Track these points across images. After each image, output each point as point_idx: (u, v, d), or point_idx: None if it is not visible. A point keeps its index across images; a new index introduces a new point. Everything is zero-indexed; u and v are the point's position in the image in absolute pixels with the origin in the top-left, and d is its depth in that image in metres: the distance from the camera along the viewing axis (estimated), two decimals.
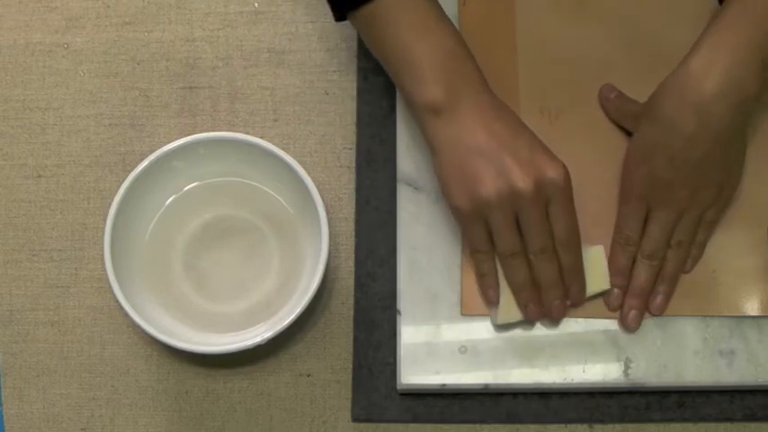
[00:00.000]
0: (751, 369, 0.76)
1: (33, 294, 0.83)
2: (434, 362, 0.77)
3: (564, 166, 0.72)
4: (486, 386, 0.77)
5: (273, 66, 0.87)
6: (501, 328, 0.77)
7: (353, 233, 0.83)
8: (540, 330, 0.77)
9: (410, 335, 0.77)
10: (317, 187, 0.78)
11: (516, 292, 0.75)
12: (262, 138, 0.80)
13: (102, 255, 0.76)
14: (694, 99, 0.70)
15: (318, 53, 0.87)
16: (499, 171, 0.70)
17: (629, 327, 0.76)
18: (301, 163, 0.78)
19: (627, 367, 0.76)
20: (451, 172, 0.72)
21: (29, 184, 0.85)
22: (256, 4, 0.88)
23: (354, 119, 0.85)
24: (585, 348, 0.77)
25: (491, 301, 0.76)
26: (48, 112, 0.87)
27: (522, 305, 0.75)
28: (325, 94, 0.86)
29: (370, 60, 0.85)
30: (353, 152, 0.84)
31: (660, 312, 0.77)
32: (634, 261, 0.77)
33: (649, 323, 0.77)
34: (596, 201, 0.78)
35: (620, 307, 0.77)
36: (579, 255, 0.74)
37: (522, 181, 0.70)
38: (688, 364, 0.76)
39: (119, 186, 0.78)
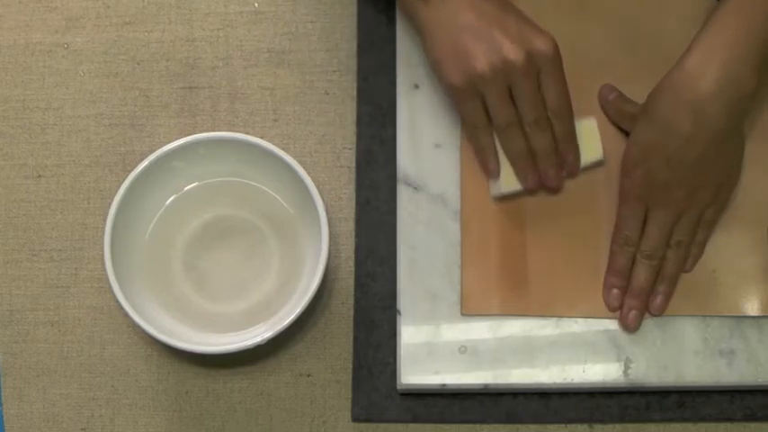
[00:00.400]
0: (751, 369, 0.76)
1: (33, 294, 0.83)
2: (434, 362, 0.77)
3: (552, 38, 0.74)
4: (486, 386, 0.77)
5: (273, 66, 0.87)
6: (502, 198, 0.78)
7: (353, 233, 0.83)
8: (540, 330, 0.77)
9: (410, 335, 0.77)
10: (317, 187, 0.78)
11: (514, 163, 0.77)
12: (262, 138, 0.80)
13: (102, 255, 0.76)
14: (690, 98, 0.70)
15: (318, 53, 0.87)
16: (490, 46, 0.72)
17: (628, 327, 0.76)
18: (301, 163, 0.78)
19: (627, 367, 0.76)
20: (444, 52, 0.74)
21: (29, 184, 0.85)
22: (256, 4, 0.88)
23: (354, 119, 0.85)
24: (585, 348, 0.77)
25: (492, 174, 0.78)
26: (48, 112, 0.87)
27: (521, 174, 0.77)
28: (325, 94, 0.86)
29: (370, 60, 0.85)
30: (353, 152, 0.84)
31: (660, 312, 0.77)
32: (633, 261, 0.77)
33: (649, 323, 0.77)
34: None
35: (620, 307, 0.77)
36: (572, 124, 0.76)
37: (514, 53, 0.72)
38: (688, 364, 0.76)
39: (119, 186, 0.78)
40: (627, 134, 0.79)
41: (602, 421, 0.79)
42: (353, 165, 0.84)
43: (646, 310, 0.77)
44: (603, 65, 0.82)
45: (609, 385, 0.77)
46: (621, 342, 0.77)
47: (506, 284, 0.78)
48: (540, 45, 0.73)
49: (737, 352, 0.77)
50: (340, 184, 0.84)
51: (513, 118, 0.75)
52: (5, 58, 0.88)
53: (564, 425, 0.79)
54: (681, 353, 0.77)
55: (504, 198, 0.79)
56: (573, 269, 0.78)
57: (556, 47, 0.74)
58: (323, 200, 0.77)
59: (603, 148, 0.79)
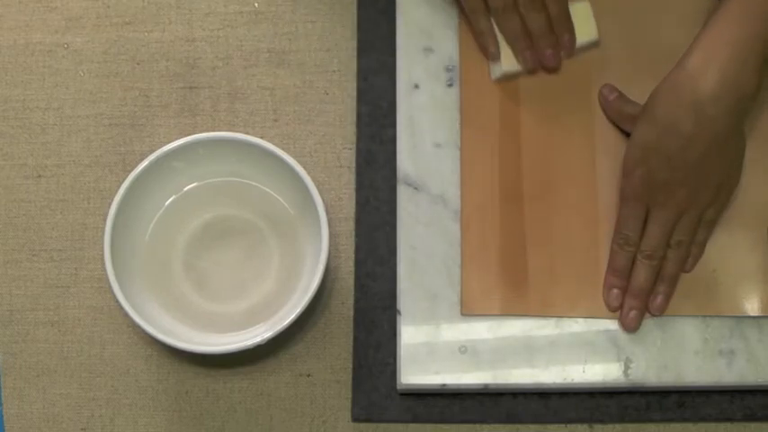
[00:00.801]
0: (751, 369, 0.76)
1: (33, 294, 0.83)
2: (434, 362, 0.77)
3: None
4: (486, 386, 0.77)
5: (273, 66, 0.87)
6: (502, 79, 0.81)
7: (353, 233, 0.83)
8: (540, 330, 0.77)
9: (410, 335, 0.77)
10: (317, 187, 0.78)
11: (513, 43, 0.80)
12: (262, 138, 0.80)
13: (102, 255, 0.76)
14: (691, 98, 0.70)
15: (318, 53, 0.87)
16: None
17: (628, 327, 0.76)
18: (301, 163, 0.78)
19: (627, 367, 0.76)
20: None
21: (29, 184, 0.85)
22: (256, 4, 0.88)
23: (354, 119, 0.85)
24: (585, 348, 0.77)
25: (492, 56, 0.81)
26: (48, 112, 0.87)
27: (520, 54, 0.80)
28: (325, 94, 0.86)
29: (370, 60, 0.85)
30: (353, 152, 0.84)
31: (660, 313, 0.77)
32: (633, 261, 0.77)
33: (649, 323, 0.77)
34: None
35: (620, 307, 0.77)
36: (565, 4, 0.79)
37: None
38: (688, 364, 0.76)
39: (119, 186, 0.78)
40: (626, 134, 0.80)
41: (602, 421, 0.79)
42: (353, 165, 0.84)
43: (646, 310, 0.77)
44: (603, 64, 0.82)
45: (609, 385, 0.77)
46: (621, 342, 0.77)
47: (506, 284, 0.78)
48: None
49: (737, 352, 0.77)
50: (340, 184, 0.84)
51: (509, 0, 0.78)
52: (5, 58, 0.88)
53: (564, 425, 0.79)
54: (681, 353, 0.77)
55: (505, 78, 0.82)
56: (573, 269, 0.78)
57: None
58: (323, 200, 0.77)
59: (602, 149, 0.79)
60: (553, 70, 0.82)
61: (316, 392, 0.81)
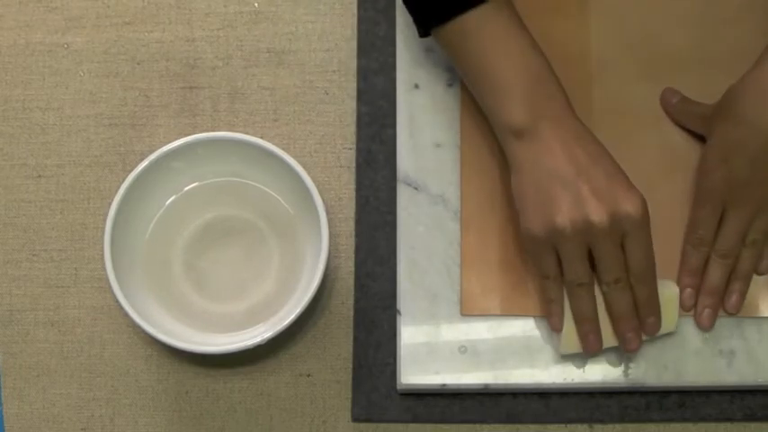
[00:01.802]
0: (751, 369, 0.76)
1: (33, 294, 0.83)
2: (434, 362, 0.77)
3: (641, 198, 0.70)
4: (486, 386, 0.77)
5: (273, 66, 0.87)
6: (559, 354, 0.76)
7: (353, 233, 0.83)
8: (540, 330, 0.77)
9: (410, 335, 0.77)
10: (317, 187, 0.78)
11: (579, 322, 0.73)
12: (262, 138, 0.80)
13: (102, 255, 0.76)
14: None
15: (318, 53, 0.87)
16: (575, 200, 0.69)
17: (703, 326, 0.76)
18: (301, 163, 0.78)
19: (627, 367, 0.76)
20: (528, 194, 0.71)
21: (29, 184, 0.85)
22: (256, 4, 0.88)
23: (354, 119, 0.85)
24: None
25: (554, 328, 0.75)
26: (48, 112, 0.87)
27: (583, 335, 0.74)
28: (325, 94, 0.86)
29: (369, 60, 0.85)
30: (353, 152, 0.84)
31: (737, 311, 0.77)
32: (706, 262, 0.77)
33: None
34: None
35: (694, 306, 0.77)
36: (655, 288, 0.73)
37: (598, 214, 0.69)
38: (688, 364, 0.76)
39: (119, 186, 0.78)
40: (625, 134, 0.80)
41: (602, 421, 0.79)
42: (353, 165, 0.84)
43: (721, 308, 0.77)
44: (603, 64, 0.82)
45: (609, 385, 0.77)
46: None
47: (506, 284, 0.78)
48: (628, 207, 0.69)
49: (737, 352, 0.77)
50: (340, 184, 0.84)
51: (586, 278, 0.72)
52: (5, 58, 0.88)
53: (564, 425, 0.79)
54: (681, 353, 0.77)
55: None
56: None
57: (645, 208, 0.70)
58: (323, 200, 0.77)
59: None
60: (632, 353, 0.75)
61: (316, 392, 0.81)
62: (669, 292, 0.75)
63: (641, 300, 0.73)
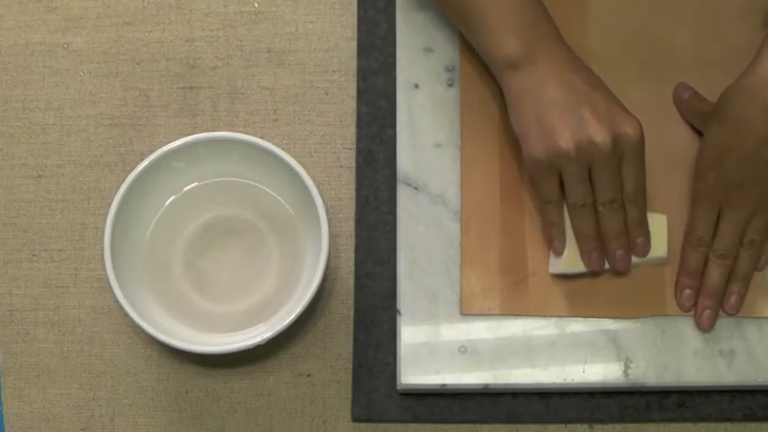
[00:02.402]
0: (751, 369, 0.76)
1: (33, 294, 0.83)
2: (434, 362, 0.77)
3: (639, 123, 0.73)
4: (486, 386, 0.77)
5: (273, 66, 0.87)
6: (555, 280, 0.78)
7: (353, 233, 0.83)
8: (540, 330, 0.77)
9: (410, 335, 0.77)
10: (317, 187, 0.78)
11: (581, 242, 0.76)
12: (262, 138, 0.80)
13: (102, 255, 0.76)
14: (765, 100, 0.71)
15: (318, 53, 0.87)
16: (578, 124, 0.72)
17: (703, 327, 0.77)
18: (301, 163, 0.78)
19: (627, 367, 0.76)
20: (530, 124, 0.73)
21: (29, 184, 0.85)
22: (256, 4, 0.88)
23: (354, 119, 0.85)
24: (585, 348, 0.77)
25: (556, 251, 0.77)
26: (48, 112, 0.87)
27: (586, 254, 0.76)
28: (325, 94, 0.86)
29: (369, 60, 0.85)
30: (353, 152, 0.84)
31: (736, 311, 0.77)
32: (705, 262, 0.77)
33: (649, 323, 0.77)
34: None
35: (693, 307, 0.77)
36: (645, 211, 0.76)
37: (601, 135, 0.71)
38: (688, 364, 0.76)
39: (119, 186, 0.78)
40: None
41: (602, 421, 0.79)
42: (353, 165, 0.84)
43: (720, 309, 0.77)
44: (603, 65, 0.82)
45: (609, 385, 0.77)
46: (621, 342, 0.77)
47: (506, 284, 0.78)
48: (628, 129, 0.72)
49: (737, 352, 0.77)
50: (340, 184, 0.84)
51: (588, 198, 0.74)
52: (5, 58, 0.88)
53: (564, 425, 0.79)
54: (681, 353, 0.77)
55: (561, 276, 0.78)
56: None
57: (642, 132, 0.73)
58: (323, 200, 0.77)
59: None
60: (621, 273, 0.77)
61: (316, 392, 0.81)
62: (658, 219, 0.77)
63: (632, 221, 0.75)
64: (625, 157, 0.73)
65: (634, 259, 0.77)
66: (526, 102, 0.74)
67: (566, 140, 0.72)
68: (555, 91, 0.73)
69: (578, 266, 0.76)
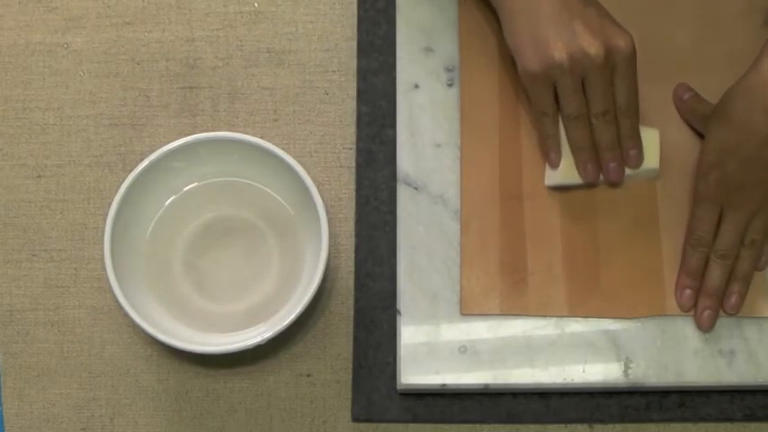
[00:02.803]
0: (751, 369, 0.76)
1: (33, 294, 0.83)
2: (434, 362, 0.77)
3: (631, 37, 0.75)
4: (486, 386, 0.77)
5: (273, 66, 0.87)
6: (555, 188, 0.80)
7: (353, 233, 0.83)
8: (540, 330, 0.77)
9: (410, 335, 0.77)
10: (317, 187, 0.78)
11: (577, 153, 0.78)
12: (262, 138, 0.80)
13: (102, 255, 0.76)
14: (767, 101, 0.71)
15: (318, 53, 0.87)
16: (571, 37, 0.74)
17: (703, 327, 0.77)
18: (301, 163, 0.78)
19: (627, 367, 0.76)
20: (524, 38, 0.75)
21: (29, 184, 0.85)
22: (256, 4, 0.88)
23: (354, 119, 0.85)
24: (585, 348, 0.77)
25: (552, 163, 0.79)
26: (48, 112, 0.87)
27: (581, 165, 0.78)
28: (325, 94, 0.86)
29: (369, 60, 0.85)
30: (353, 152, 0.84)
31: (736, 311, 0.77)
32: (706, 262, 0.77)
33: (650, 323, 0.77)
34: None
35: (693, 307, 0.77)
36: (637, 122, 0.78)
37: (594, 47, 0.73)
38: (688, 364, 0.76)
39: (119, 186, 0.78)
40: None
41: (602, 421, 0.79)
42: (353, 165, 0.84)
43: (721, 309, 0.77)
44: None
45: (609, 385, 0.77)
46: (621, 342, 0.77)
47: (506, 284, 0.78)
48: (620, 42, 0.74)
49: (737, 352, 0.77)
50: (340, 184, 0.84)
51: (582, 109, 0.76)
52: (5, 58, 0.88)
53: (564, 425, 0.79)
54: (681, 353, 0.77)
55: (557, 188, 0.80)
56: (573, 269, 0.78)
57: (634, 45, 0.75)
58: (323, 200, 0.77)
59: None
60: (614, 185, 0.79)
61: (316, 392, 0.81)
62: (651, 133, 0.79)
63: (625, 133, 0.77)
64: (617, 70, 0.75)
65: (627, 171, 0.79)
66: (520, 18, 0.75)
67: (559, 52, 0.73)
68: (548, 6, 0.74)
69: (574, 178, 0.79)
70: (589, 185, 0.79)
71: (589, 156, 0.78)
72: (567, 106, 0.76)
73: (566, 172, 0.79)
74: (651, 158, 0.79)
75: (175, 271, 0.81)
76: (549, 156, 0.79)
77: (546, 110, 0.77)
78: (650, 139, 0.79)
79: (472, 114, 0.82)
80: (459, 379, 0.76)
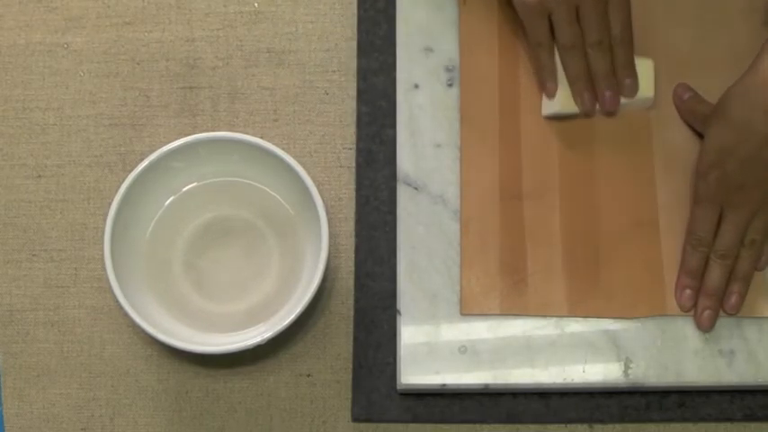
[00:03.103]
0: (751, 369, 0.76)
1: (33, 294, 0.83)
2: (434, 362, 0.77)
3: None
4: (486, 386, 0.77)
5: (273, 66, 0.87)
6: (552, 117, 0.81)
7: (353, 233, 0.83)
8: (540, 330, 0.77)
9: (410, 335, 0.77)
10: (317, 187, 0.78)
11: (573, 83, 0.79)
12: (262, 138, 0.80)
13: (102, 255, 0.76)
14: (765, 101, 0.71)
15: (318, 53, 0.87)
16: None
17: (703, 327, 0.77)
18: (301, 163, 0.78)
19: (627, 367, 0.76)
20: None
21: (29, 184, 0.85)
22: (256, 4, 0.88)
23: (354, 119, 0.85)
24: (585, 348, 0.77)
25: (549, 93, 0.80)
26: (48, 112, 0.87)
27: (578, 94, 0.79)
28: (325, 94, 0.86)
29: (369, 60, 0.85)
30: (353, 152, 0.84)
31: (736, 311, 0.77)
32: (706, 262, 0.77)
33: (650, 323, 0.77)
34: None
35: (693, 307, 0.77)
36: (632, 52, 0.79)
37: None
38: (688, 364, 0.76)
39: (119, 186, 0.78)
40: (624, 133, 0.80)
41: (602, 421, 0.79)
42: (353, 165, 0.84)
43: (720, 309, 0.77)
44: None
45: (609, 385, 0.77)
46: (621, 342, 0.77)
47: (506, 284, 0.78)
48: None
49: (737, 352, 0.77)
50: (340, 184, 0.84)
51: (577, 39, 0.78)
52: (5, 58, 0.88)
53: (564, 425, 0.79)
54: (681, 353, 0.77)
55: (555, 118, 0.81)
56: (573, 269, 0.78)
57: None
58: (323, 200, 0.77)
59: (599, 149, 0.79)
60: (610, 114, 0.81)
61: (316, 392, 0.81)
62: (646, 63, 0.80)
63: (620, 62, 0.79)
64: (611, 1, 0.77)
65: (623, 100, 0.80)
66: None
67: None
68: None
69: (570, 107, 0.80)
70: (585, 115, 0.81)
71: (585, 85, 0.79)
72: (561, 36, 0.78)
73: (562, 102, 0.80)
74: (646, 87, 0.80)
75: (175, 271, 0.81)
76: (546, 86, 0.80)
77: (541, 40, 0.79)
78: (645, 68, 0.80)
79: (472, 114, 0.82)
80: (459, 379, 0.76)
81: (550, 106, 0.81)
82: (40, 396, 0.82)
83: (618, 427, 0.79)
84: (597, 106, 0.80)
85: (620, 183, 0.80)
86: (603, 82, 0.79)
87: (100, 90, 0.87)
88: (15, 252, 0.84)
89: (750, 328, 0.77)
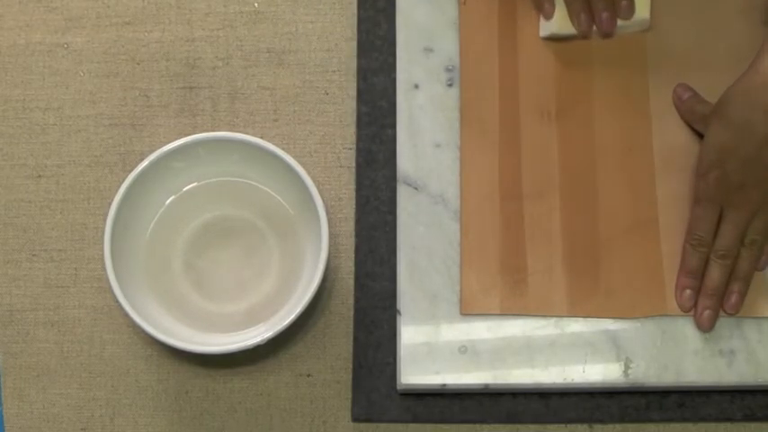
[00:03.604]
0: (751, 369, 0.76)
1: (33, 294, 0.83)
2: (434, 362, 0.77)
3: None
4: (486, 386, 0.77)
5: (273, 66, 0.87)
6: (551, 38, 0.82)
7: (353, 233, 0.83)
8: (540, 330, 0.77)
9: (410, 335, 0.77)
10: (317, 187, 0.78)
11: (570, 3, 0.81)
12: (262, 138, 0.80)
13: (102, 255, 0.76)
14: (765, 101, 0.71)
15: (318, 53, 0.87)
16: None
17: (703, 327, 0.77)
18: (301, 163, 0.78)
19: (627, 367, 0.76)
20: None
21: (29, 184, 0.85)
22: (256, 4, 0.88)
23: (354, 119, 0.85)
24: (585, 348, 0.77)
25: (546, 14, 0.82)
26: (48, 112, 0.87)
27: (575, 15, 0.81)
28: (325, 94, 0.86)
29: (369, 60, 0.85)
30: (353, 152, 0.84)
31: (736, 311, 0.77)
32: (705, 262, 0.77)
33: (650, 323, 0.77)
34: None
35: (693, 307, 0.77)
36: None
37: None
38: (688, 364, 0.76)
39: (119, 186, 0.78)
40: (624, 133, 0.80)
41: (602, 421, 0.79)
42: (353, 165, 0.84)
43: (721, 309, 0.77)
44: (604, 65, 0.82)
45: (609, 385, 0.77)
46: (621, 342, 0.77)
47: (506, 284, 0.78)
48: None
49: (737, 352, 0.77)
50: (340, 184, 0.84)
51: None
52: (5, 58, 0.88)
53: (564, 425, 0.79)
54: (681, 353, 0.77)
55: (552, 39, 0.82)
56: (573, 269, 0.78)
57: None
58: (323, 200, 0.77)
59: (600, 149, 0.79)
60: (606, 36, 0.82)
61: (316, 392, 0.81)
62: None
63: None
64: None
65: (619, 22, 0.81)
66: None
67: None
68: None
69: (568, 28, 0.81)
70: (583, 36, 0.82)
71: (582, 6, 0.80)
72: None
73: (560, 22, 0.81)
74: (642, 9, 0.81)
75: (175, 271, 0.81)
76: (544, 6, 0.82)
77: None
78: None
79: (472, 114, 0.82)
80: (460, 379, 0.76)
81: (548, 27, 0.82)
82: (39, 396, 0.82)
83: (618, 427, 0.79)
84: (594, 28, 0.81)
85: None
86: (601, 3, 0.80)
87: (100, 90, 0.87)
88: (15, 252, 0.84)
89: (750, 328, 0.77)
